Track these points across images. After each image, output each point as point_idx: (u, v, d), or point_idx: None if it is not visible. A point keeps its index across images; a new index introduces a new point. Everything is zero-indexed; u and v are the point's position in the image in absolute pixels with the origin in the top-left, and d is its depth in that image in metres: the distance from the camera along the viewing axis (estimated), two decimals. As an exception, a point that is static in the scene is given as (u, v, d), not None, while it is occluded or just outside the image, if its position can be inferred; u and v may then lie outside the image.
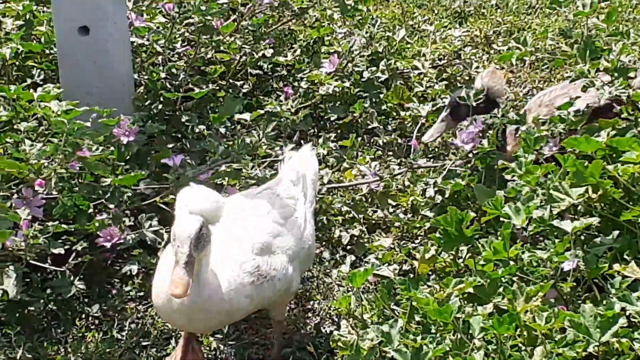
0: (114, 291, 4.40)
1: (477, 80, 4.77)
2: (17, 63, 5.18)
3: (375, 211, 4.76)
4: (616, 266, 3.57)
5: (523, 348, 3.35)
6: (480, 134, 4.50)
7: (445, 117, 4.73)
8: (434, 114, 5.10)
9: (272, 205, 3.83)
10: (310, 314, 4.28)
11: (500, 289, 3.61)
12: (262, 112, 5.08)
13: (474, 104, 4.61)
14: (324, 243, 4.65)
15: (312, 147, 4.32)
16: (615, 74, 4.50)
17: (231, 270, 3.53)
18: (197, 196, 3.41)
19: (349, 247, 4.62)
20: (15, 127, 4.60)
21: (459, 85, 5.72)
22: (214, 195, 3.46)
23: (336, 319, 4.22)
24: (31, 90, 4.65)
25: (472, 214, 3.94)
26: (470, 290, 3.66)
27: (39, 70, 5.16)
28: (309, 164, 4.10)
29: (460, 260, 3.96)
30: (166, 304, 3.43)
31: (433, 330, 3.50)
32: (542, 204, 3.88)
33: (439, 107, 5.20)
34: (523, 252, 3.72)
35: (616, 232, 3.78)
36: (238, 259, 3.56)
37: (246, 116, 5.03)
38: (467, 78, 5.78)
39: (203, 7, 5.40)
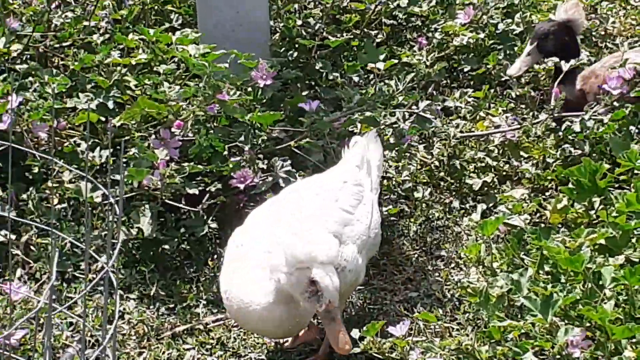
0: (246, 233, 4.44)
1: (559, 11, 4.78)
2: (155, 7, 5.22)
3: (507, 162, 4.72)
4: None
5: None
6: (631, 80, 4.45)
7: (532, 50, 4.77)
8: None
9: (341, 192, 3.75)
10: (438, 262, 4.28)
11: (633, 240, 3.60)
12: (395, 62, 5.08)
13: (560, 40, 4.72)
14: (453, 192, 4.64)
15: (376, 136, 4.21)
16: None
17: None
18: (325, 247, 3.35)
19: (479, 197, 4.60)
20: (154, 69, 4.66)
21: (594, 40, 5.66)
22: (333, 241, 3.44)
23: (464, 267, 4.21)
24: (169, 34, 4.72)
25: (606, 166, 3.93)
26: (602, 241, 3.65)
27: (177, 15, 5.21)
28: (374, 150, 4.02)
29: (593, 211, 3.95)
30: (243, 313, 3.44)
31: (563, 280, 3.49)
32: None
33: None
34: None
35: None
36: None
37: (380, 65, 5.03)
38: (602, 33, 5.72)
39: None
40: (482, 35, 5.38)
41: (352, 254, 3.57)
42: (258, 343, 3.89)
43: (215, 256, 4.28)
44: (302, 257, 3.25)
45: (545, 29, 4.69)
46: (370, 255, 3.80)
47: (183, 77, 4.61)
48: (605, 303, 3.34)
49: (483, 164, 4.69)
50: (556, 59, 4.74)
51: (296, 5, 5.33)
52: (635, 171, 3.87)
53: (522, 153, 4.75)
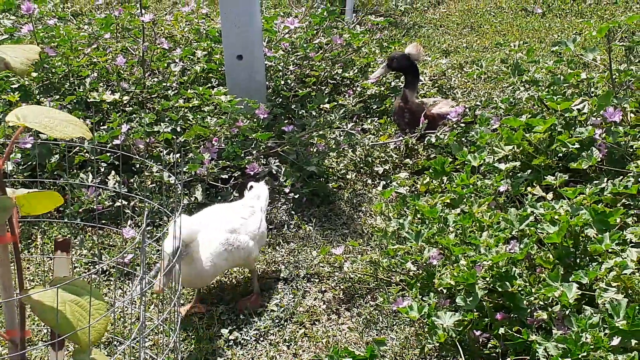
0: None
1: (406, 48, 4.78)
2: (203, 75, 5.23)
3: (397, 158, 4.75)
4: (529, 189, 3.59)
5: (476, 233, 3.38)
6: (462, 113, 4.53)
7: (384, 66, 4.82)
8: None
9: (241, 209, 3.60)
10: (360, 213, 4.29)
11: (464, 200, 3.64)
12: (335, 103, 5.10)
13: (402, 64, 4.73)
14: (367, 175, 4.64)
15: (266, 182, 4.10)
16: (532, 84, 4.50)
17: (214, 246, 3.34)
18: (179, 226, 3.19)
19: (381, 178, 4.63)
20: (202, 109, 4.67)
21: (444, 89, 5.68)
22: (192, 225, 3.22)
23: (374, 216, 4.22)
24: (210, 89, 4.72)
25: (449, 159, 3.97)
26: (448, 201, 3.69)
27: (214, 79, 5.21)
28: (263, 191, 3.77)
29: (443, 185, 3.99)
30: (184, 275, 3.28)
31: (427, 222, 3.53)
32: (489, 153, 3.89)
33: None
34: (477, 181, 3.74)
35: (529, 171, 3.79)
36: (218, 238, 3.38)
37: (327, 105, 5.05)
38: (448, 86, 5.74)
39: (305, 45, 5.44)
40: (382, 88, 5.40)
41: (244, 239, 3.44)
42: (261, 251, 3.90)
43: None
44: (184, 238, 3.14)
45: (393, 55, 4.74)
46: (260, 244, 3.62)
47: (218, 113, 4.62)
48: (449, 234, 3.38)
49: (384, 159, 4.73)
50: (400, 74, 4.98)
51: (280, 73, 5.33)
52: (465, 162, 3.90)
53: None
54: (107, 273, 3.74)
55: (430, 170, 3.96)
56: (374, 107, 5.32)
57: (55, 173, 4.23)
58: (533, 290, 2.98)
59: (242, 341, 3.32)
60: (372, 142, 4.81)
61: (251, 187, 3.79)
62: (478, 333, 3.01)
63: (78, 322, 2.12)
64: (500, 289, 2.98)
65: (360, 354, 2.69)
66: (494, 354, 2.99)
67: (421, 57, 4.75)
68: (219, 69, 5.18)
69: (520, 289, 2.97)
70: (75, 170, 4.27)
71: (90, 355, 2.27)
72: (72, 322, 2.10)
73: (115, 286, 3.64)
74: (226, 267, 3.43)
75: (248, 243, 3.48)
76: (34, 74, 4.74)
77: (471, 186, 3.66)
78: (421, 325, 3.25)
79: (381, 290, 3.56)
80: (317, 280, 3.72)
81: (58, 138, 2.15)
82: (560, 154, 3.76)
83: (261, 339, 3.35)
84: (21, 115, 2.13)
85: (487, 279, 3.03)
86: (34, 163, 4.26)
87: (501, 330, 2.91)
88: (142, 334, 2.22)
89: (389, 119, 5.14)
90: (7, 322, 2.21)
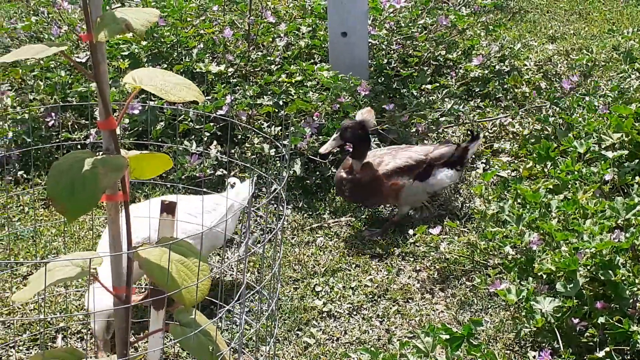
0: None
1: (357, 114, 3.96)
2: (306, 51, 5.23)
3: (499, 140, 4.67)
4: (637, 178, 3.49)
5: (579, 220, 3.30)
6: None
7: (336, 137, 3.89)
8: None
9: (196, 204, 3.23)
10: (457, 195, 4.25)
11: (568, 186, 3.56)
12: (437, 84, 5.03)
13: (356, 134, 3.86)
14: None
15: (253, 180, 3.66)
16: None
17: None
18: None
19: (482, 160, 4.56)
20: (304, 84, 4.69)
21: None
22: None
23: (473, 198, 4.18)
24: (313, 65, 4.74)
25: (554, 144, 3.88)
26: (551, 186, 3.62)
27: (318, 56, 5.21)
28: (245, 188, 3.45)
29: (547, 170, 3.91)
30: None
31: (528, 207, 3.47)
32: (595, 141, 3.80)
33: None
34: (582, 168, 3.66)
35: (637, 160, 3.68)
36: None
37: (429, 86, 5.01)
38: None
39: (410, 25, 5.40)
40: (486, 72, 5.31)
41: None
42: (355, 228, 3.91)
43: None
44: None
45: (346, 124, 3.88)
46: (211, 244, 3.30)
47: (320, 89, 4.63)
48: (551, 220, 3.32)
49: (484, 141, 4.66)
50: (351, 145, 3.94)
51: (383, 52, 5.30)
52: (571, 148, 3.81)
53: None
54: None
55: (534, 155, 3.88)
56: (476, 90, 5.24)
57: (160, 140, 4.31)
58: (637, 280, 2.90)
59: (336, 314, 3.34)
60: (476, 120, 4.74)
61: (233, 184, 3.51)
62: (576, 321, 2.95)
63: (183, 281, 2.16)
64: (602, 278, 2.90)
65: (457, 331, 2.66)
66: (591, 343, 2.93)
67: (374, 123, 3.96)
68: (323, 45, 5.17)
69: (623, 278, 2.89)
70: (179, 138, 4.35)
71: (191, 315, 2.32)
72: (177, 281, 2.14)
73: (213, 252, 3.70)
74: None
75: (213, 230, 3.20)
76: (144, 43, 4.84)
77: (576, 173, 3.57)
78: (517, 309, 3.20)
79: (478, 272, 3.52)
80: (411, 259, 3.70)
81: (171, 101, 2.19)
82: (671, 145, 3.64)
83: (354, 312, 3.36)
84: (137, 77, 2.17)
85: (589, 267, 2.96)
86: (140, 129, 4.36)
87: (601, 320, 2.85)
88: (243, 298, 2.25)
89: (490, 102, 5.05)
90: (114, 278, 2.27)
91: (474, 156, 4.44)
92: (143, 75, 2.18)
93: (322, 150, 3.94)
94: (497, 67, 5.38)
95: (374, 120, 3.94)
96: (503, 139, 4.69)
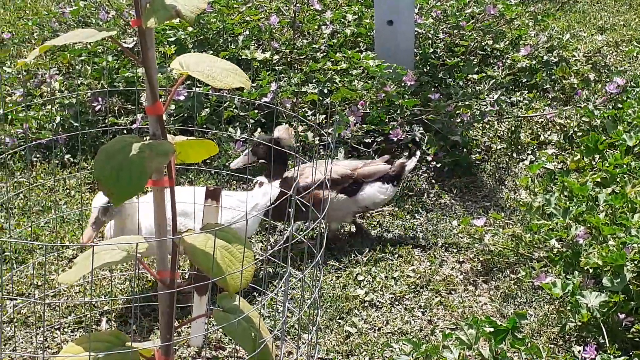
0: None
1: (275, 131, 3.56)
2: (351, 39, 5.21)
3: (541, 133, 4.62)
4: (687, 173, 3.43)
5: (627, 214, 3.25)
6: None
7: (248, 153, 3.56)
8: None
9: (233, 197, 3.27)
10: (502, 187, 4.21)
11: (617, 179, 3.51)
12: (483, 75, 4.99)
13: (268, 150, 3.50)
14: (512, 148, 4.52)
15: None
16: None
17: (151, 220, 2.96)
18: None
19: (529, 152, 4.50)
20: (349, 72, 4.67)
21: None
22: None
23: (518, 190, 4.14)
24: (359, 53, 4.72)
25: (603, 137, 3.83)
26: (599, 179, 3.57)
27: (363, 44, 5.19)
28: (268, 194, 3.36)
29: (594, 162, 3.86)
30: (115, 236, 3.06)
31: (575, 200, 3.42)
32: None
33: None
34: (631, 161, 3.60)
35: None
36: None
37: (475, 76, 4.96)
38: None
39: (457, 14, 5.35)
40: (534, 62, 5.24)
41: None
42: (398, 217, 3.90)
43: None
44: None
45: (258, 141, 3.57)
46: (254, 230, 3.39)
47: (365, 77, 4.61)
48: (599, 213, 3.27)
49: (531, 133, 4.60)
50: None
51: (429, 41, 5.25)
52: (620, 141, 3.75)
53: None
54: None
55: (582, 148, 3.82)
56: (523, 81, 5.18)
57: (204, 126, 4.33)
58: (686, 277, 2.85)
59: (378, 303, 3.33)
60: (520, 115, 4.69)
61: (261, 183, 3.42)
62: (622, 316, 2.91)
63: (227, 267, 2.17)
64: (650, 273, 2.86)
65: (501, 324, 2.64)
66: (638, 339, 2.89)
67: (292, 142, 3.61)
68: (368, 33, 5.15)
69: (672, 274, 2.84)
70: (223, 125, 4.36)
71: (234, 301, 2.33)
72: (222, 267, 2.15)
73: (255, 240, 3.71)
74: None
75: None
76: (190, 29, 4.86)
77: (625, 166, 3.52)
78: (562, 303, 3.16)
79: (522, 265, 3.49)
80: (455, 251, 3.68)
81: (218, 87, 2.19)
82: None
83: (396, 303, 3.34)
84: (184, 63, 2.18)
85: (637, 262, 2.92)
86: (185, 115, 4.38)
87: (648, 316, 2.80)
88: (287, 285, 2.25)
89: (538, 93, 4.99)
90: (159, 262, 2.28)
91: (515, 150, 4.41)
92: (190, 61, 2.19)
93: (232, 165, 3.62)
94: (545, 57, 5.31)
95: (292, 139, 3.56)
96: (550, 131, 4.63)
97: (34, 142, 4.27)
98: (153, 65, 2.14)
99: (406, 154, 4.23)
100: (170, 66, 2.15)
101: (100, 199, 3.01)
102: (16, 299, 3.12)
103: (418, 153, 4.02)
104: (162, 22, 2.01)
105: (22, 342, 3.04)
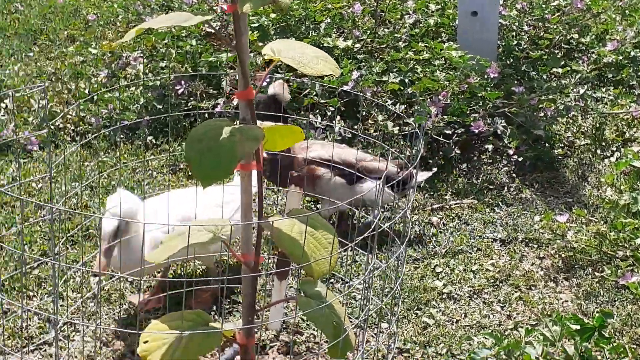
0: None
1: (269, 87, 3.54)
2: (433, 29, 5.14)
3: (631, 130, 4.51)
4: None
5: None
6: None
7: None
8: None
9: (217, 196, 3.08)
10: (585, 184, 4.12)
11: None
12: (568, 69, 4.90)
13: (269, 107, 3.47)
14: (597, 144, 4.42)
15: None
16: None
17: (157, 233, 2.88)
18: (117, 201, 2.74)
19: (614, 148, 4.40)
20: (431, 62, 4.62)
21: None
22: (132, 200, 2.84)
23: (602, 187, 4.05)
24: (442, 44, 4.67)
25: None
26: (689, 179, 3.47)
27: (445, 35, 5.12)
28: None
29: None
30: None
31: (663, 199, 3.34)
32: None
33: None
34: None
35: None
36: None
37: (559, 70, 4.87)
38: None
39: (542, 6, 5.26)
40: (620, 58, 5.12)
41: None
42: (478, 210, 3.85)
43: (459, 171, 4.25)
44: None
45: (258, 99, 3.45)
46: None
47: (447, 68, 4.57)
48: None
49: (617, 129, 4.50)
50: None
51: (513, 33, 5.18)
52: None
53: None
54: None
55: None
56: (609, 76, 5.06)
57: (285, 112, 4.34)
58: None
59: (456, 296, 3.30)
60: (605, 111, 4.59)
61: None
62: None
63: (312, 253, 2.18)
64: None
65: (588, 322, 2.59)
66: None
67: (288, 97, 3.57)
68: (451, 24, 5.10)
69: None
70: (303, 112, 4.37)
71: (317, 287, 2.33)
72: (307, 253, 2.16)
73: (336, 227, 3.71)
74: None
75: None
76: (272, 15, 4.88)
77: None
78: (647, 304, 3.09)
79: (605, 263, 3.41)
80: (535, 246, 3.62)
81: (308, 74, 2.19)
82: None
83: (475, 296, 3.31)
84: (276, 49, 2.19)
85: None
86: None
87: None
88: (371, 273, 2.25)
89: (623, 89, 4.87)
90: (244, 246, 2.30)
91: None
92: (281, 47, 2.20)
93: None
94: (632, 53, 5.18)
95: (288, 94, 3.54)
96: (635, 128, 4.52)
97: (122, 123, 4.35)
98: (246, 50, 2.15)
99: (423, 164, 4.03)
100: (263, 51, 2.16)
101: (108, 223, 2.75)
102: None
103: (434, 169, 3.94)
104: (257, 8, 2.02)
105: (105, 318, 3.10)
